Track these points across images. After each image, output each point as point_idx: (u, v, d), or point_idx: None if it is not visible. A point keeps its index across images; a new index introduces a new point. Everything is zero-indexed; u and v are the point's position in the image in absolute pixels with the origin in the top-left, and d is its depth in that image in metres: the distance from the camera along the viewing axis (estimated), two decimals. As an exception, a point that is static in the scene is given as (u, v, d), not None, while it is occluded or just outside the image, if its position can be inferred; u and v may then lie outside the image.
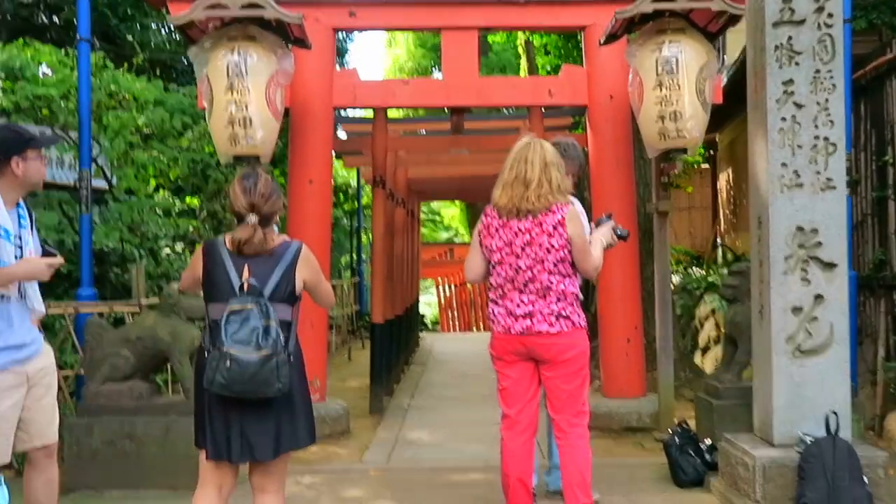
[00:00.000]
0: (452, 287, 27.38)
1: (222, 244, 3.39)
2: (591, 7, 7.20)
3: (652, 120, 6.07)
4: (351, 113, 12.22)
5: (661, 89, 5.98)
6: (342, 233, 21.11)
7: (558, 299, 4.07)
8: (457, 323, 26.78)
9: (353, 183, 20.41)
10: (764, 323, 4.78)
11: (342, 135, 11.01)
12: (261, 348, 3.11)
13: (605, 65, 7.20)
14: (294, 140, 7.19)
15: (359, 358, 12.91)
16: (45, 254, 3.59)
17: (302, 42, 6.53)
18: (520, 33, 15.11)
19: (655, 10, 5.94)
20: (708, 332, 9.83)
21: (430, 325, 29.27)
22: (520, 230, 4.10)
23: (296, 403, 3.34)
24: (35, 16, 12.47)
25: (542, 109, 8.15)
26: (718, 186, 14.33)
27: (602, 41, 6.61)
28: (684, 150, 6.17)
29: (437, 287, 28.26)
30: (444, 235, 37.40)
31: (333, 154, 12.42)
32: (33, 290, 3.74)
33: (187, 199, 8.53)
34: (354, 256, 20.18)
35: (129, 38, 11.97)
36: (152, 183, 7.88)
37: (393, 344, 9.74)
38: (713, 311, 9.64)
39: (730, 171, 13.22)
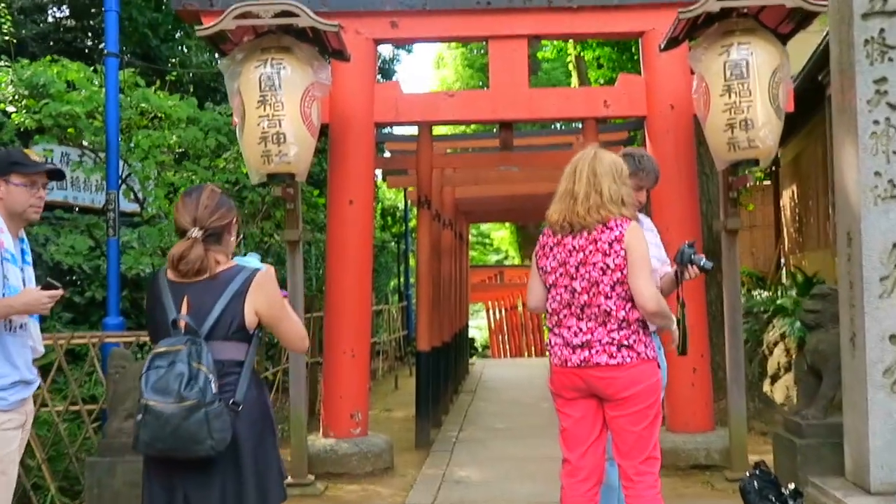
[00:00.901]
0: (503, 311, 26.83)
1: (163, 275, 2.93)
2: (649, 11, 6.72)
3: (720, 129, 5.55)
4: (397, 131, 11.82)
5: (729, 95, 5.45)
6: (390, 256, 20.79)
7: (620, 327, 3.57)
8: (507, 347, 26.21)
9: (401, 206, 20.09)
10: (856, 353, 4.21)
11: (386, 154, 10.64)
12: (183, 398, 2.64)
13: (665, 72, 6.70)
14: (333, 158, 6.80)
15: (406, 386, 12.45)
16: (47, 287, 3.23)
17: (340, 54, 6.15)
18: (570, 49, 14.68)
19: (723, 8, 5.43)
20: (777, 358, 9.18)
21: (479, 350, 28.76)
22: (574, 248, 3.64)
23: (244, 465, 2.80)
24: (79, 39, 12.37)
25: (597, 123, 7.67)
26: (781, 204, 13.66)
27: (662, 46, 6.12)
28: (756, 162, 5.62)
29: (487, 311, 27.74)
30: (493, 258, 36.92)
31: (379, 173, 12.15)
32: (35, 328, 3.41)
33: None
34: (402, 280, 19.79)
35: (171, 59, 11.76)
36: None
37: (440, 373, 9.27)
38: (783, 336, 8.99)
39: (794, 187, 12.56)
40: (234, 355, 2.82)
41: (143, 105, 6.76)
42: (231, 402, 2.76)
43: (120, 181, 6.26)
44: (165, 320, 2.82)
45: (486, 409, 10.27)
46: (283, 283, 3.90)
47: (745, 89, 5.43)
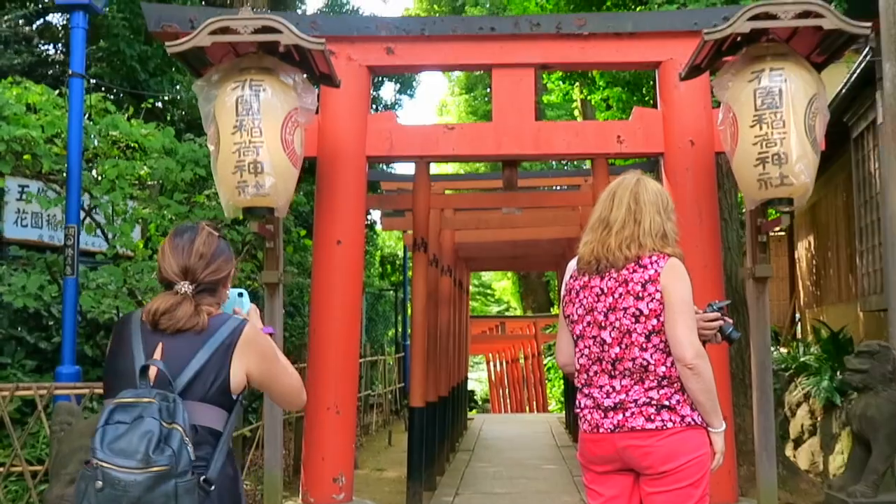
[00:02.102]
0: (504, 363, 26.06)
1: (137, 319, 2.37)
2: (667, 40, 6.18)
3: (749, 164, 4.95)
4: (396, 170, 11.24)
5: (760, 127, 4.87)
6: (388, 305, 20.17)
7: (660, 384, 2.95)
8: (508, 401, 25.37)
9: (401, 253, 19.55)
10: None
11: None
12: (151, 463, 2.06)
13: (685, 105, 6.14)
14: (321, 194, 6.20)
15: (400, 441, 11.72)
16: None
17: (329, 79, 5.59)
18: (576, 93, 14.21)
19: (753, 30, 4.87)
20: (801, 420, 8.49)
21: (479, 403, 27.97)
22: (602, 291, 3.06)
23: None
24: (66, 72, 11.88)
25: (609, 162, 7.11)
26: (797, 255, 13.06)
27: (683, 74, 5.57)
28: (790, 201, 5.02)
29: (488, 363, 26.97)
30: (494, 309, 36.21)
31: (379, 215, 11.56)
32: None
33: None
34: (400, 330, 19.13)
35: (160, 94, 11.24)
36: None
37: (435, 430, 8.59)
38: (807, 397, 8.32)
39: (812, 237, 11.96)
40: (210, 422, 2.26)
41: (112, 133, 6.17)
42: (202, 478, 2.17)
43: (84, 215, 5.68)
44: (130, 368, 2.25)
45: (484, 471, 9.53)
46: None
47: (779, 119, 4.85)
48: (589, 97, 12.41)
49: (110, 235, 6.35)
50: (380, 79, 18.84)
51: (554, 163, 15.99)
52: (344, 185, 6.20)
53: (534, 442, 12.19)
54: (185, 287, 2.32)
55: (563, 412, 16.12)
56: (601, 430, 3.02)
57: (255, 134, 4.98)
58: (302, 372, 8.22)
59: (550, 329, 24.39)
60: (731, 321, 3.32)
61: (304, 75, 5.35)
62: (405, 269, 18.37)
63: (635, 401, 2.96)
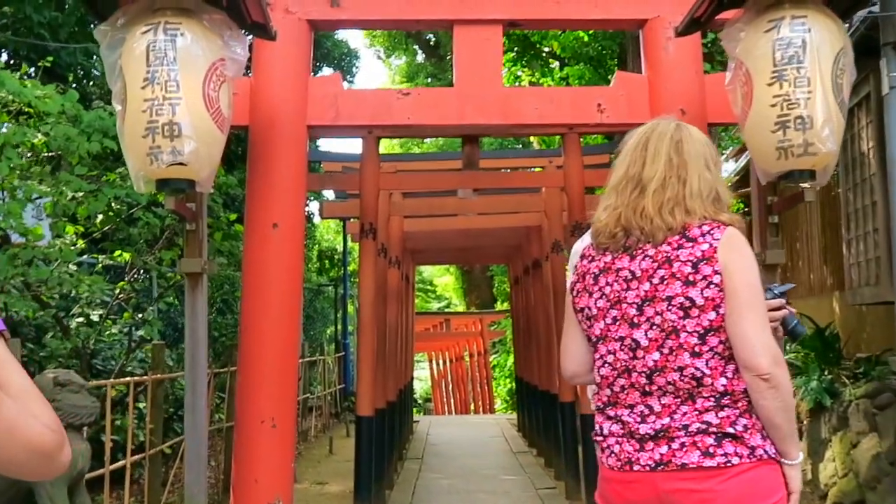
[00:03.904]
0: (448, 362, 25.23)
1: None
2: (654, -6, 5.40)
3: (766, 129, 4.17)
4: (338, 148, 10.27)
5: (780, 85, 4.09)
6: (326, 302, 19.18)
7: (720, 404, 2.16)
8: (452, 401, 24.55)
9: (340, 248, 18.59)
10: None
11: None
12: None
13: (674, 70, 5.36)
14: (253, 169, 5.25)
15: (342, 449, 10.82)
16: None
17: (263, 29, 4.67)
18: (526, 77, 13.43)
19: (772, -32, 4.10)
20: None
21: (420, 402, 27.16)
22: (633, 274, 2.25)
23: None
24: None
25: (580, 138, 6.31)
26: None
27: (680, 29, 4.81)
28: (812, 175, 4.25)
29: (431, 362, 26.13)
30: (435, 306, 35.41)
31: (317, 206, 10.62)
32: None
33: (116, 251, 6.56)
34: (340, 328, 18.17)
35: (73, 66, 10.09)
36: (69, 230, 5.91)
37: (384, 440, 7.70)
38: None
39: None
40: None
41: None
42: None
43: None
44: None
45: (438, 484, 8.69)
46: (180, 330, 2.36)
47: (802, 77, 4.08)
48: (541, 81, 11.67)
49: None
50: (318, 64, 17.86)
51: (518, 144, 15.00)
52: (281, 158, 5.26)
53: (487, 448, 11.40)
54: None
55: (516, 413, 15.39)
56: (636, 467, 2.19)
57: (171, 88, 4.03)
58: (230, 377, 7.30)
59: (496, 326, 23.67)
60: (794, 311, 2.56)
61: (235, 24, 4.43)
62: (345, 264, 17.45)
63: (685, 427, 2.15)
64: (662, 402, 2.20)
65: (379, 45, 24.93)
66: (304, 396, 12.18)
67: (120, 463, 5.90)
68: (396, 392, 9.73)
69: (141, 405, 6.63)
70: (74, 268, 5.80)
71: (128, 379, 6.06)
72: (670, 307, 2.18)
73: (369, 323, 6.82)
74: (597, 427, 2.35)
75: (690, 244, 2.20)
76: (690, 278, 2.17)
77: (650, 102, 5.45)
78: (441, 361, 25.39)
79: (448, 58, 17.12)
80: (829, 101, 4.10)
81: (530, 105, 5.62)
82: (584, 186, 6.89)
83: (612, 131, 7.47)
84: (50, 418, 1.29)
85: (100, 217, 5.74)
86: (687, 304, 2.17)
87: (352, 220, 9.68)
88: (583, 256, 2.41)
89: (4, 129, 5.10)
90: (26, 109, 5.47)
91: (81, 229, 6.11)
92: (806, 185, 4.39)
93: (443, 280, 33.12)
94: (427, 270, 32.31)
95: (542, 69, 11.46)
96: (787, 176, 4.31)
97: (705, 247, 2.19)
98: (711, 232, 2.21)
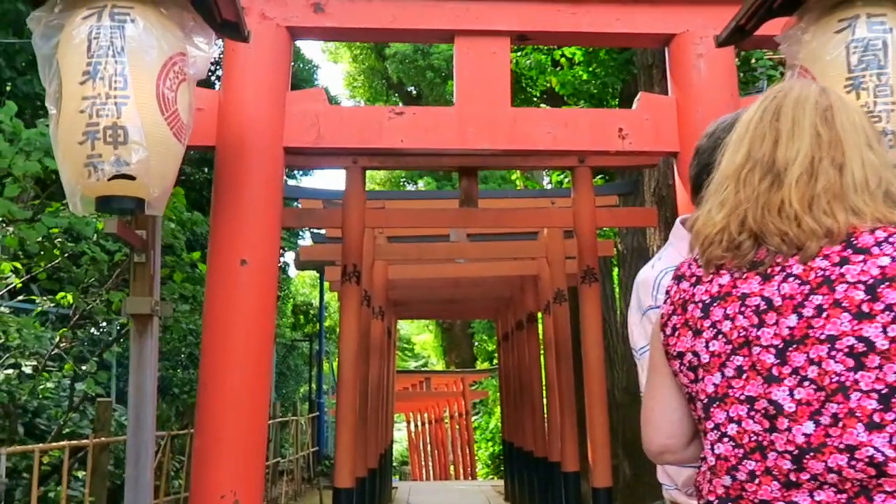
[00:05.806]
0: (427, 423, 24.23)
1: None
2: (683, 6, 4.77)
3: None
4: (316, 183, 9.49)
5: (858, 94, 3.41)
6: (300, 359, 18.28)
7: None
8: (430, 464, 23.48)
9: (316, 302, 17.80)
10: None
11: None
12: None
13: (706, 90, 4.70)
14: (219, 196, 4.47)
15: (315, 520, 9.86)
16: None
17: (235, 28, 3.94)
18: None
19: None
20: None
21: (396, 465, 26.17)
22: (769, 304, 1.48)
23: None
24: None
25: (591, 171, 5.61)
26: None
27: (721, 39, 4.13)
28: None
29: (408, 423, 25.13)
30: (412, 365, 34.49)
31: (292, 257, 9.83)
32: None
33: (59, 293, 5.71)
34: (314, 386, 17.25)
35: (34, 99, 9.33)
36: (5, 267, 5.09)
37: (365, 514, 6.82)
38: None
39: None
40: None
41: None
42: None
43: None
44: None
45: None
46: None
47: (883, 84, 3.41)
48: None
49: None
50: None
51: (517, 181, 14.05)
52: (252, 184, 4.49)
53: (473, 519, 10.48)
54: None
55: (502, 480, 14.40)
56: None
57: (117, 84, 3.28)
58: (191, 440, 6.42)
59: (477, 385, 22.78)
60: None
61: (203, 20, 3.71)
62: (321, 318, 16.61)
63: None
64: (817, 499, 1.42)
65: (360, 97, 24.51)
66: (274, 461, 11.25)
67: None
68: (377, 457, 8.84)
69: (79, 473, 5.72)
70: (6, 310, 4.97)
71: (63, 443, 5.17)
72: (833, 353, 1.42)
73: (351, 380, 6.00)
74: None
75: (861, 258, 1.45)
76: (865, 309, 1.41)
77: (679, 127, 4.77)
78: (419, 422, 24.40)
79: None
80: (915, 115, 3.44)
81: (542, 129, 4.89)
82: (595, 227, 6.15)
83: (631, 163, 6.76)
84: None
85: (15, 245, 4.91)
86: (860, 347, 1.40)
87: (331, 265, 8.87)
88: (680, 278, 1.66)
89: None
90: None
91: (20, 265, 5.29)
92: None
93: (421, 338, 32.27)
94: (405, 328, 31.52)
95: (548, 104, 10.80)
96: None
97: (885, 261, 1.44)
98: (891, 240, 1.46)
